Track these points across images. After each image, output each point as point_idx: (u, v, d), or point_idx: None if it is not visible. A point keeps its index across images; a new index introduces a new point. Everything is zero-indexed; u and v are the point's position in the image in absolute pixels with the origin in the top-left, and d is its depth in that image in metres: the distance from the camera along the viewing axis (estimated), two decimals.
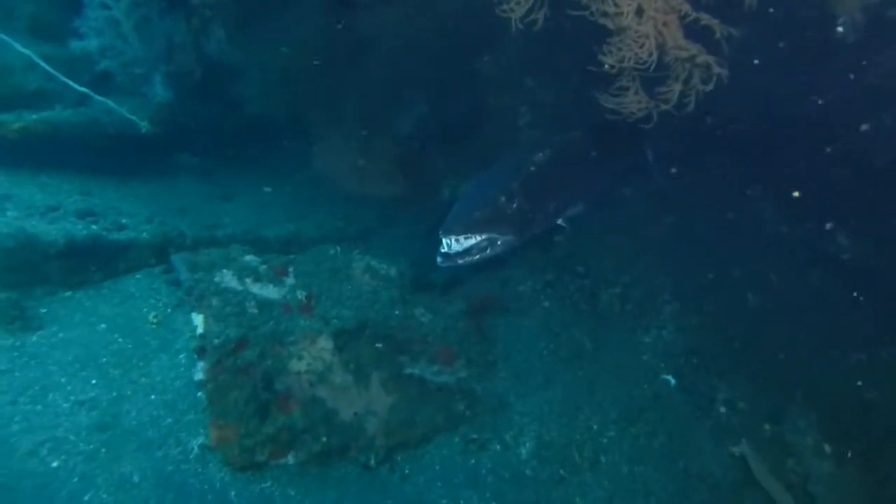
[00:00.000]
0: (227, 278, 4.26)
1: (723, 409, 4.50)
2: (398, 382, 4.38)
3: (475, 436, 4.37)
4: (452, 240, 3.77)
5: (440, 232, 3.78)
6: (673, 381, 4.69)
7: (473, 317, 4.99)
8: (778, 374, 4.79)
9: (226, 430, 3.80)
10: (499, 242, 3.98)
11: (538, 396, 4.61)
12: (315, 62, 6.01)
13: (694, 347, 4.97)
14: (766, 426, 4.33)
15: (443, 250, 3.81)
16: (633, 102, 3.29)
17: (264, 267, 4.44)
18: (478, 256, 3.92)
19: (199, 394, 4.04)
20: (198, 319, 3.98)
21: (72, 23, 6.52)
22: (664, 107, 3.28)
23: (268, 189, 6.77)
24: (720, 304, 5.47)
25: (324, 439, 4.01)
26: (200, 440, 3.80)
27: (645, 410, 4.50)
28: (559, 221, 4.79)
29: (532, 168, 4.43)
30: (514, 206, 4.07)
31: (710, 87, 3.03)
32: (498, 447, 4.30)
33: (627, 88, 3.28)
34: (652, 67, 3.02)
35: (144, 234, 5.39)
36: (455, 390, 4.50)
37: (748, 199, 7.07)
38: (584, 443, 4.30)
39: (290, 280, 4.45)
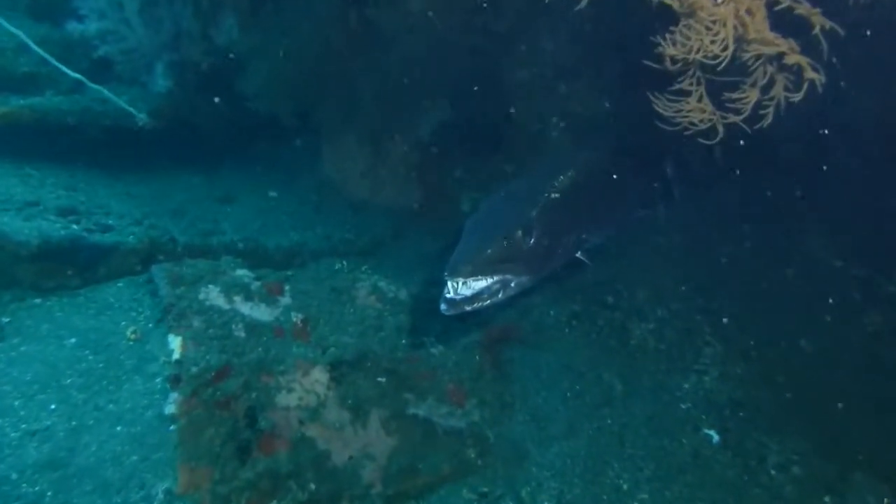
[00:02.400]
0: (214, 295, 3.80)
1: (774, 473, 3.94)
2: (401, 423, 3.89)
3: (486, 489, 3.87)
4: (459, 283, 3.16)
5: (445, 273, 3.17)
6: (716, 438, 4.15)
7: (489, 350, 4.49)
8: (838, 433, 4.23)
9: (197, 474, 3.33)
10: (512, 284, 3.35)
11: (560, 446, 4.09)
12: (330, 56, 5.58)
13: (740, 398, 4.42)
14: (827, 498, 3.76)
15: (447, 295, 3.18)
16: (695, 111, 2.73)
17: (257, 284, 3.97)
18: (488, 302, 3.27)
19: (172, 427, 3.56)
20: (175, 342, 3.52)
21: (71, 4, 6.14)
22: (734, 118, 2.72)
23: (273, 193, 6.33)
24: (768, 347, 4.92)
25: (312, 487, 3.54)
26: (167, 484, 3.33)
27: (683, 470, 3.96)
28: (578, 254, 4.18)
29: (552, 194, 3.83)
30: (532, 241, 3.45)
31: (799, 96, 2.46)
32: None
33: (689, 93, 2.72)
34: (723, 65, 2.46)
35: (131, 237, 4.97)
36: (466, 435, 4.00)
37: (797, 229, 6.54)
38: None
39: (285, 300, 3.98)
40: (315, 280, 4.22)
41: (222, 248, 5.15)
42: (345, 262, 5.13)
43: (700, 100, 2.69)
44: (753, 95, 2.51)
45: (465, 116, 6.75)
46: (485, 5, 6.09)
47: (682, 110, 2.72)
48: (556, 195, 3.74)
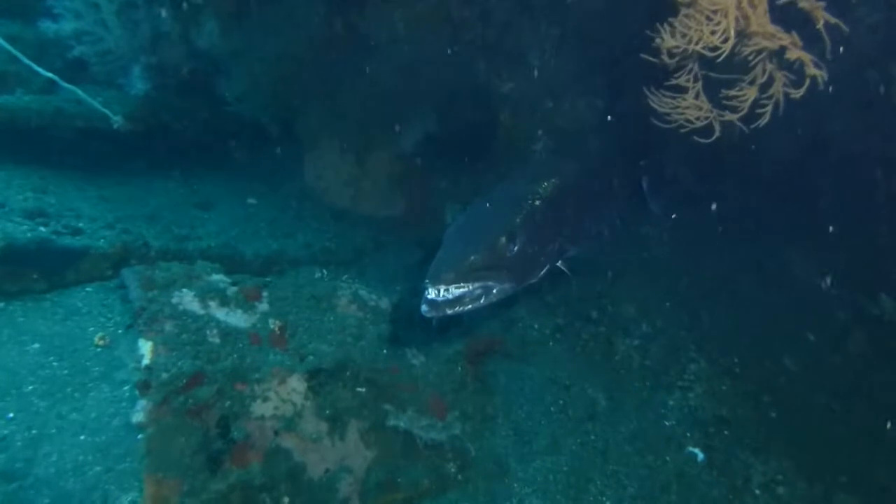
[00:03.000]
0: (187, 300, 3.69)
1: (759, 493, 3.91)
2: (380, 435, 3.80)
3: None
4: (441, 289, 3.15)
5: (426, 280, 3.17)
6: (701, 456, 4.12)
7: (472, 362, 4.42)
8: (822, 454, 4.23)
9: (164, 486, 3.19)
10: (494, 291, 3.35)
11: (542, 462, 4.03)
12: (313, 63, 5.53)
13: (725, 416, 4.41)
14: None
15: (429, 296, 3.18)
16: (692, 108, 2.71)
17: (233, 289, 3.87)
18: (469, 306, 3.28)
19: (140, 436, 3.43)
20: (145, 347, 3.40)
21: (45, 2, 6.03)
22: (730, 117, 2.70)
23: (252, 200, 6.23)
24: (753, 365, 4.93)
25: (286, 501, 3.44)
26: (131, 496, 3.20)
27: (667, 489, 3.92)
28: (559, 264, 4.16)
29: (535, 201, 3.82)
30: (515, 248, 3.46)
31: (800, 92, 2.43)
32: None
33: (685, 90, 2.70)
34: (723, 57, 2.42)
35: (101, 241, 4.84)
36: (446, 449, 3.92)
37: (779, 246, 6.61)
38: None
39: (262, 306, 3.88)
40: (294, 287, 4.13)
41: (198, 254, 5.03)
42: (325, 272, 5.03)
43: (697, 97, 2.67)
44: (752, 93, 2.49)
45: (449, 128, 6.75)
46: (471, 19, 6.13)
47: (678, 107, 2.69)
48: (539, 203, 3.72)
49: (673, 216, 6.08)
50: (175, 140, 6.33)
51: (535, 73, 6.73)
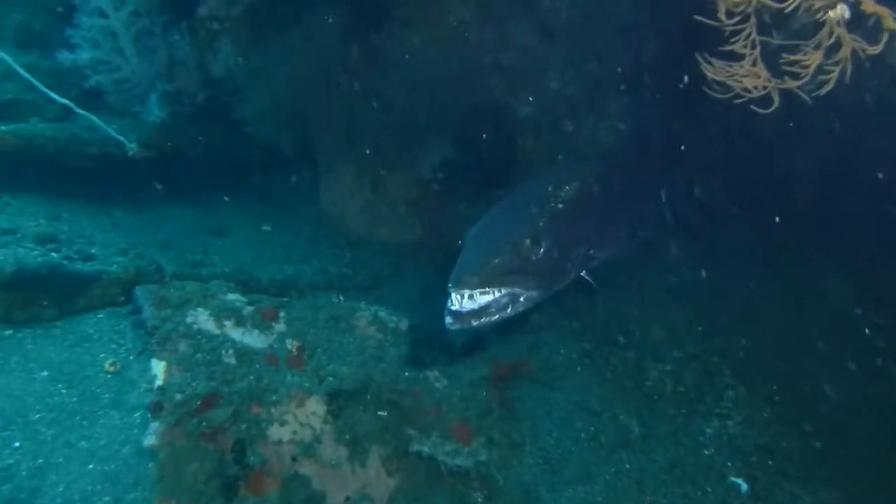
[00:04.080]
0: (202, 319, 3.62)
1: None
2: (402, 461, 3.67)
3: None
4: (465, 295, 2.94)
5: (449, 284, 2.96)
6: (745, 487, 3.92)
7: (497, 386, 4.30)
8: (870, 485, 4.02)
9: None
10: (521, 299, 3.14)
11: (574, 491, 3.86)
12: (330, 86, 5.57)
13: (767, 445, 4.22)
14: None
15: (453, 307, 2.97)
16: (749, 76, 2.52)
17: (250, 309, 3.80)
18: (496, 317, 3.05)
19: (151, 465, 3.32)
20: (158, 367, 3.32)
21: (63, 33, 6.16)
22: (791, 84, 2.50)
23: (267, 227, 6.22)
24: (792, 393, 4.75)
25: None
26: None
27: None
28: (584, 274, 4.00)
29: (559, 204, 3.67)
30: (542, 251, 3.27)
31: (878, 49, 2.23)
32: None
33: (741, 56, 2.52)
34: (790, 8, 2.22)
35: (114, 266, 4.83)
36: (472, 476, 3.76)
37: (813, 269, 6.47)
38: None
39: (279, 326, 3.81)
40: (312, 308, 4.05)
41: (212, 280, 4.99)
42: (342, 298, 4.97)
43: (754, 64, 2.51)
44: (816, 59, 2.31)
45: (467, 152, 6.75)
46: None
47: (734, 75, 2.54)
48: (563, 205, 3.61)
49: (698, 235, 6.00)
50: (190, 167, 6.38)
51: (555, 95, 6.75)
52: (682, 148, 6.25)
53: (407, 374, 3.97)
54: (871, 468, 4.16)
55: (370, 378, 3.72)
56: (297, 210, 6.60)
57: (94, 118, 5.72)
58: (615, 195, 4.23)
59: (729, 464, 4.08)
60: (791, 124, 6.16)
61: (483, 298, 2.98)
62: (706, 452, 4.16)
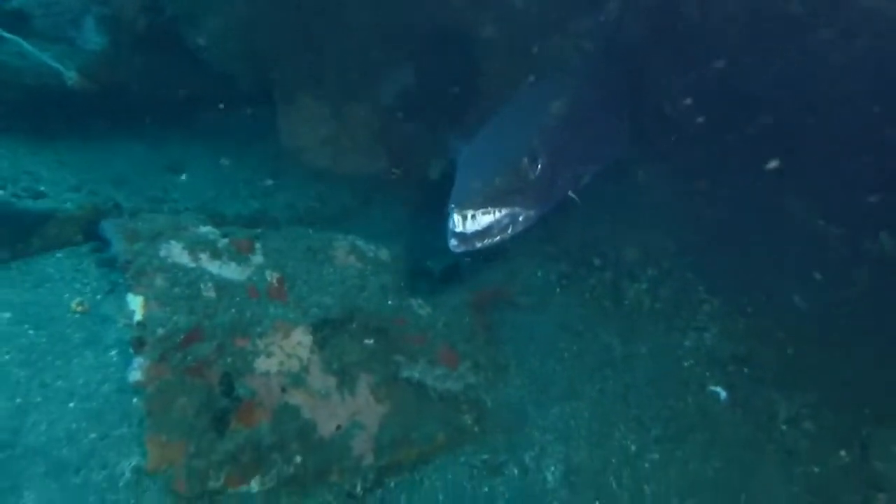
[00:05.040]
0: (176, 252, 3.52)
1: (786, 429, 3.94)
2: (391, 388, 3.71)
3: (486, 456, 3.72)
4: (468, 216, 2.94)
5: (451, 206, 2.96)
6: (723, 395, 4.12)
7: (480, 311, 4.35)
8: (842, 388, 4.27)
9: (170, 449, 3.06)
10: (520, 218, 3.17)
11: (561, 408, 3.99)
12: (286, 6, 5.31)
13: (742, 354, 4.42)
14: (843, 452, 3.77)
15: (456, 229, 2.97)
16: None
17: (224, 241, 3.71)
18: (498, 238, 3.08)
19: (136, 400, 3.30)
20: (136, 302, 3.23)
21: None
22: None
23: (226, 162, 6.01)
24: (764, 304, 4.97)
25: (298, 459, 3.33)
26: (135, 461, 3.07)
27: (693, 429, 3.91)
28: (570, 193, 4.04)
29: (552, 121, 3.67)
30: (539, 169, 3.27)
31: None
32: (516, 471, 3.65)
33: None
34: None
35: (68, 203, 4.62)
36: (461, 400, 3.84)
37: (776, 184, 6.68)
38: (622, 468, 3.69)
39: (256, 258, 3.73)
40: (288, 239, 3.98)
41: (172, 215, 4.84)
42: (310, 231, 4.89)
43: None
44: None
45: (430, 78, 6.61)
46: None
47: None
48: (555, 123, 3.60)
49: (667, 153, 6.10)
50: (137, 99, 6.07)
51: (518, 14, 6.62)
52: (652, 67, 6.28)
53: (390, 302, 3.97)
54: (843, 372, 4.41)
55: (355, 307, 3.71)
56: (255, 144, 6.39)
57: (25, 43, 5.34)
58: (598, 113, 4.24)
59: (707, 374, 4.27)
60: (756, 45, 6.26)
61: (485, 219, 3.00)
62: (685, 364, 4.33)
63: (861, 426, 3.95)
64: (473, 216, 2.95)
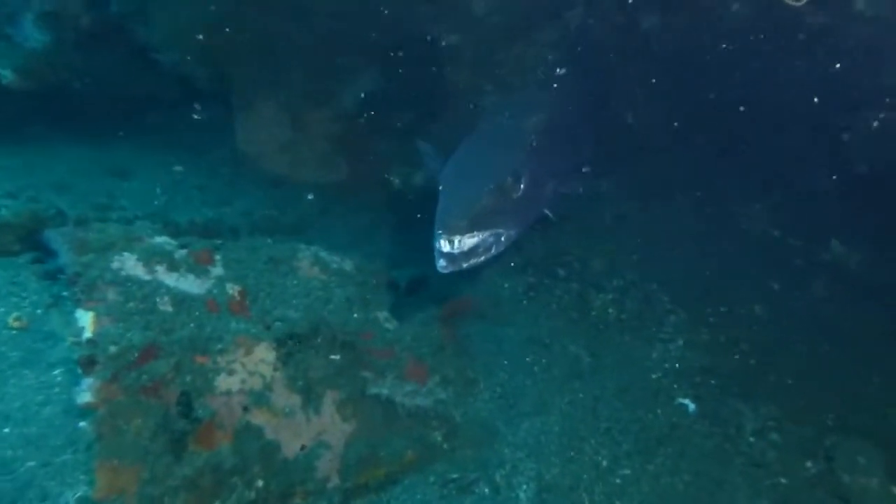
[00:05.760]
0: (130, 264, 3.33)
1: (753, 440, 3.97)
2: (359, 405, 3.59)
3: (456, 475, 3.64)
4: (456, 239, 3.00)
5: (439, 230, 3.01)
6: (692, 407, 4.14)
7: (447, 324, 4.27)
8: (804, 396, 4.35)
9: (122, 475, 2.87)
10: (503, 238, 3.26)
11: (532, 423, 3.94)
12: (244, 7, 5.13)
13: (708, 365, 4.46)
14: (808, 463, 3.82)
15: (444, 250, 3.02)
16: None
17: (182, 252, 3.53)
18: (483, 258, 3.17)
19: (83, 423, 3.08)
20: (85, 318, 3.03)
21: None
22: None
23: (178, 168, 5.77)
24: (727, 315, 5.04)
25: (260, 483, 3.19)
26: (80, 491, 2.87)
27: (663, 442, 3.91)
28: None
29: (531, 138, 3.71)
30: (522, 188, 3.32)
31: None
32: (487, 490, 3.58)
33: None
34: None
35: (3, 210, 4.34)
36: (431, 416, 3.75)
37: (734, 195, 6.84)
38: (594, 484, 3.65)
39: (216, 270, 3.57)
40: (249, 250, 3.83)
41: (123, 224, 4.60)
42: (270, 241, 4.73)
43: None
44: None
45: (393, 85, 6.52)
46: None
47: None
48: (535, 140, 3.61)
49: (629, 164, 6.16)
50: (81, 100, 5.78)
51: (481, 23, 6.60)
52: (614, 76, 6.35)
53: (356, 315, 3.86)
54: (803, 381, 4.50)
55: (321, 320, 3.58)
56: (209, 149, 6.16)
57: None
58: (567, 126, 4.25)
59: (675, 386, 4.29)
60: (715, 60, 6.40)
61: (471, 241, 3.04)
62: (654, 376, 4.35)
63: (824, 436, 4.02)
64: (460, 239, 2.98)
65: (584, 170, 4.45)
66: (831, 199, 6.91)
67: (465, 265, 3.05)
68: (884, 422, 4.22)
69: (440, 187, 3.22)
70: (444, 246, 2.97)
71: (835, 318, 5.18)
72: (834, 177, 6.83)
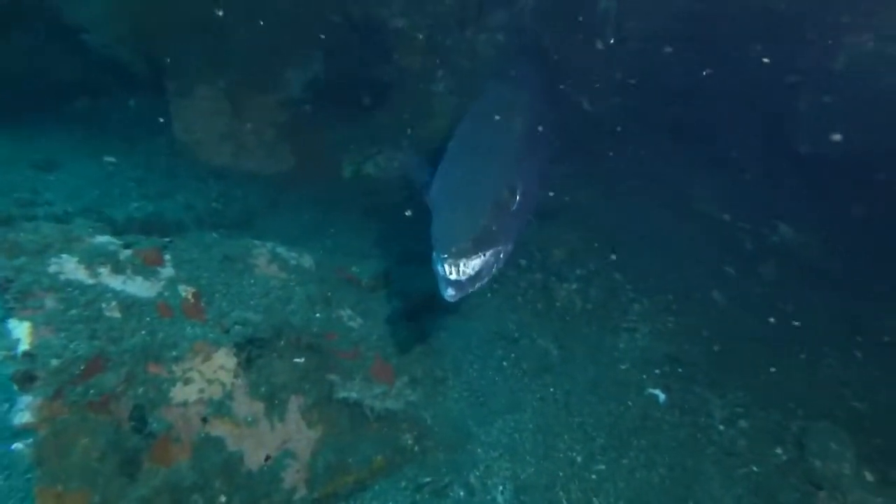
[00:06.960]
0: (70, 267, 3.05)
1: (723, 429, 4.00)
2: (324, 410, 3.44)
3: (428, 478, 3.53)
4: (461, 264, 2.85)
5: (444, 256, 2.83)
6: (662, 397, 4.14)
7: (412, 319, 4.14)
8: (767, 381, 4.42)
9: (67, 501, 2.63)
10: (502, 255, 3.13)
11: (504, 422, 3.85)
12: None
13: (674, 354, 4.46)
14: (778, 450, 3.87)
15: (451, 277, 2.86)
16: None
17: (127, 252, 3.26)
18: (486, 279, 3.02)
19: (19, 446, 2.80)
20: (20, 329, 2.75)
21: None
22: None
23: (110, 159, 5.39)
24: (687, 301, 5.07)
25: (223, 499, 3.03)
26: None
27: (635, 435, 3.89)
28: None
29: (519, 147, 3.57)
30: (518, 201, 3.18)
31: None
32: (462, 493, 3.47)
33: None
34: None
35: None
36: (400, 419, 3.62)
37: (687, 180, 6.94)
38: (570, 482, 3.60)
39: (167, 271, 3.32)
40: (201, 247, 3.59)
41: (52, 221, 4.25)
42: (217, 237, 4.47)
43: None
44: None
45: (341, 70, 6.30)
46: None
47: None
48: (522, 148, 3.48)
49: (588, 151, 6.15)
50: None
51: (430, 6, 6.46)
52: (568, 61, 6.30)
53: (318, 315, 3.68)
54: (763, 366, 4.56)
55: (282, 322, 3.39)
56: (143, 139, 5.79)
57: None
58: (545, 124, 4.13)
59: (644, 376, 4.27)
60: (670, 41, 6.44)
61: (477, 262, 2.90)
62: (622, 367, 4.32)
63: (791, 421, 4.08)
64: (465, 263, 2.83)
65: (557, 165, 4.37)
66: (777, 181, 7.11)
67: (470, 289, 2.90)
68: (843, 403, 4.34)
69: (432, 205, 3.05)
70: (451, 273, 2.81)
71: (786, 301, 5.29)
72: (779, 159, 7.04)
